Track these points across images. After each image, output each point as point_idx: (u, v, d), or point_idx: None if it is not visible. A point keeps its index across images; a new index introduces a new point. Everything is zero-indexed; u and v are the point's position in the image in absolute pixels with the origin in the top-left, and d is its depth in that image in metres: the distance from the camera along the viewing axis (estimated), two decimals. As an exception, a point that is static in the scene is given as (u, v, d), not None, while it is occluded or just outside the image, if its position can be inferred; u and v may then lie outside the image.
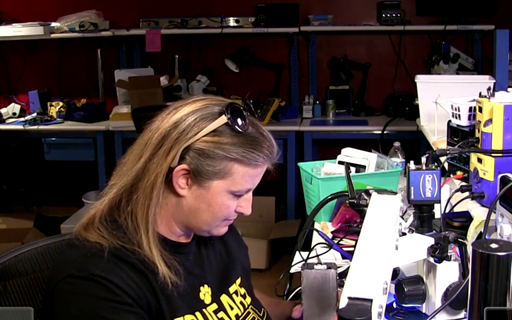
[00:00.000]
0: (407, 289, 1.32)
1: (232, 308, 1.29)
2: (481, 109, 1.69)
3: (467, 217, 1.72)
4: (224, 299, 1.29)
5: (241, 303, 1.32)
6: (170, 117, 1.18)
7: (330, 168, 2.17)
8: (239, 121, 1.16)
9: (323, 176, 2.13)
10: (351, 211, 1.96)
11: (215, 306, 1.25)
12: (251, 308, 1.35)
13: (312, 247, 1.79)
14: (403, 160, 2.45)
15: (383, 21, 4.29)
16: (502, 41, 2.38)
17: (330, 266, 1.29)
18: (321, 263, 1.30)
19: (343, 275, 1.56)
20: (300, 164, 2.28)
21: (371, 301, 0.87)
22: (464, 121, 1.96)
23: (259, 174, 1.21)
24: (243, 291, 1.35)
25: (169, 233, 1.23)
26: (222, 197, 1.19)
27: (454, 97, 2.04)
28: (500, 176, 1.43)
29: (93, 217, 1.19)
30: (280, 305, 1.49)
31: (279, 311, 1.46)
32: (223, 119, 1.16)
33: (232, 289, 1.32)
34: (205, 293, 1.25)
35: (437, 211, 1.49)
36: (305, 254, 1.74)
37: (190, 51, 4.70)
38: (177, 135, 1.15)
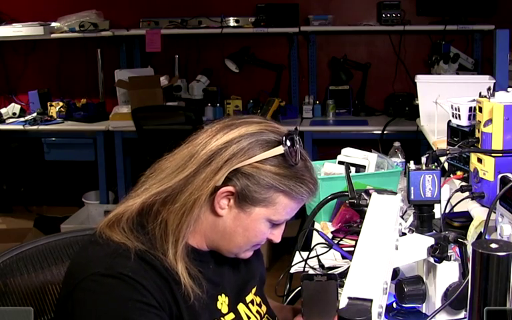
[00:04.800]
0: (407, 289, 1.32)
1: (249, 317, 1.28)
2: (480, 109, 1.69)
3: (467, 217, 1.72)
4: (241, 308, 1.28)
5: (257, 311, 1.31)
6: (221, 136, 1.15)
7: (330, 168, 2.17)
8: (294, 154, 1.15)
9: (323, 176, 2.13)
10: (351, 211, 1.96)
11: (232, 315, 1.24)
12: (267, 317, 1.34)
13: (312, 247, 1.79)
14: (403, 160, 2.45)
15: (383, 21, 4.29)
16: (502, 41, 2.37)
17: (330, 276, 1.28)
18: (321, 274, 1.29)
19: (343, 275, 1.56)
20: (300, 164, 2.27)
21: (371, 300, 0.87)
22: (464, 121, 1.95)
23: (299, 207, 1.21)
24: (258, 299, 1.34)
25: (196, 246, 1.21)
26: (260, 224, 1.18)
27: (454, 97, 2.04)
28: (500, 176, 1.43)
29: (120, 216, 1.16)
30: (283, 310, 1.49)
31: (281, 317, 1.45)
32: (280, 149, 1.14)
33: (248, 298, 1.31)
34: (222, 302, 1.24)
35: (437, 211, 1.48)
36: (304, 254, 1.74)
37: (190, 51, 4.70)
38: (228, 156, 1.13)
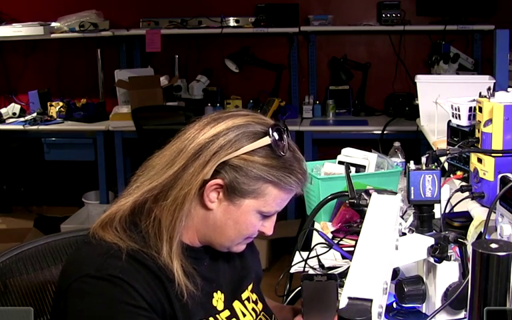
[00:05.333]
0: (407, 289, 1.32)
1: (244, 315, 1.28)
2: (480, 109, 1.69)
3: (467, 217, 1.72)
4: (236, 305, 1.28)
5: (253, 309, 1.31)
6: (208, 129, 1.15)
7: (330, 168, 2.17)
8: (281, 144, 1.15)
9: (323, 176, 2.13)
10: (351, 211, 1.96)
11: (227, 312, 1.24)
12: (263, 314, 1.34)
13: (312, 247, 1.79)
14: (403, 160, 2.45)
15: (383, 21, 4.29)
16: (502, 41, 2.38)
17: (330, 276, 1.28)
18: (321, 274, 1.29)
19: (343, 275, 1.56)
20: (300, 164, 2.27)
21: (371, 300, 0.87)
22: (464, 121, 1.95)
23: (289, 198, 1.21)
24: (254, 297, 1.34)
25: (189, 242, 1.22)
26: (250, 216, 1.18)
27: (454, 97, 2.04)
28: (500, 176, 1.43)
29: (113, 216, 1.17)
30: (283, 310, 1.49)
31: (281, 317, 1.45)
32: (266, 140, 1.15)
33: (244, 296, 1.31)
34: (218, 299, 1.24)
35: (437, 211, 1.48)
36: (304, 254, 1.74)
37: (190, 51, 4.70)
38: (216, 149, 1.13)
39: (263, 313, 1.34)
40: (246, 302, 1.30)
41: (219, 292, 1.24)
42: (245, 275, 1.34)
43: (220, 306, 1.23)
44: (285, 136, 1.17)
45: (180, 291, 1.12)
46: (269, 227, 1.23)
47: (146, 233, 1.15)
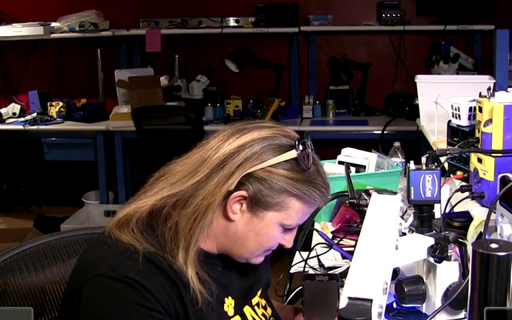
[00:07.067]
0: (407, 289, 1.32)
1: None
2: (480, 109, 1.69)
3: (467, 217, 1.72)
4: (247, 310, 1.27)
5: (263, 314, 1.31)
6: (233, 140, 1.15)
7: (330, 168, 2.17)
8: (306, 158, 1.15)
9: (323, 176, 2.12)
10: (351, 211, 1.96)
11: (238, 318, 1.24)
12: (272, 319, 1.34)
13: (312, 247, 1.79)
14: (403, 160, 2.45)
15: (383, 21, 4.29)
16: (502, 41, 2.38)
17: (332, 276, 1.28)
18: (322, 274, 1.29)
19: (343, 275, 1.56)
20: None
21: (371, 301, 0.87)
22: (464, 121, 1.96)
23: (311, 212, 1.21)
24: (263, 302, 1.34)
25: (207, 249, 1.21)
26: (272, 229, 1.17)
27: (454, 96, 2.04)
28: (500, 176, 1.43)
29: (130, 217, 1.16)
30: (284, 310, 1.48)
31: (282, 317, 1.45)
32: (292, 154, 1.14)
33: (254, 301, 1.31)
34: (229, 304, 1.23)
35: (437, 211, 1.48)
36: (304, 254, 1.74)
37: (190, 51, 4.70)
38: (241, 160, 1.13)
39: (272, 318, 1.34)
40: (256, 307, 1.30)
41: (229, 297, 1.24)
42: (255, 281, 1.33)
43: (230, 311, 1.23)
44: (309, 150, 1.16)
45: (195, 297, 1.12)
46: (289, 240, 1.22)
47: (161, 237, 1.14)
